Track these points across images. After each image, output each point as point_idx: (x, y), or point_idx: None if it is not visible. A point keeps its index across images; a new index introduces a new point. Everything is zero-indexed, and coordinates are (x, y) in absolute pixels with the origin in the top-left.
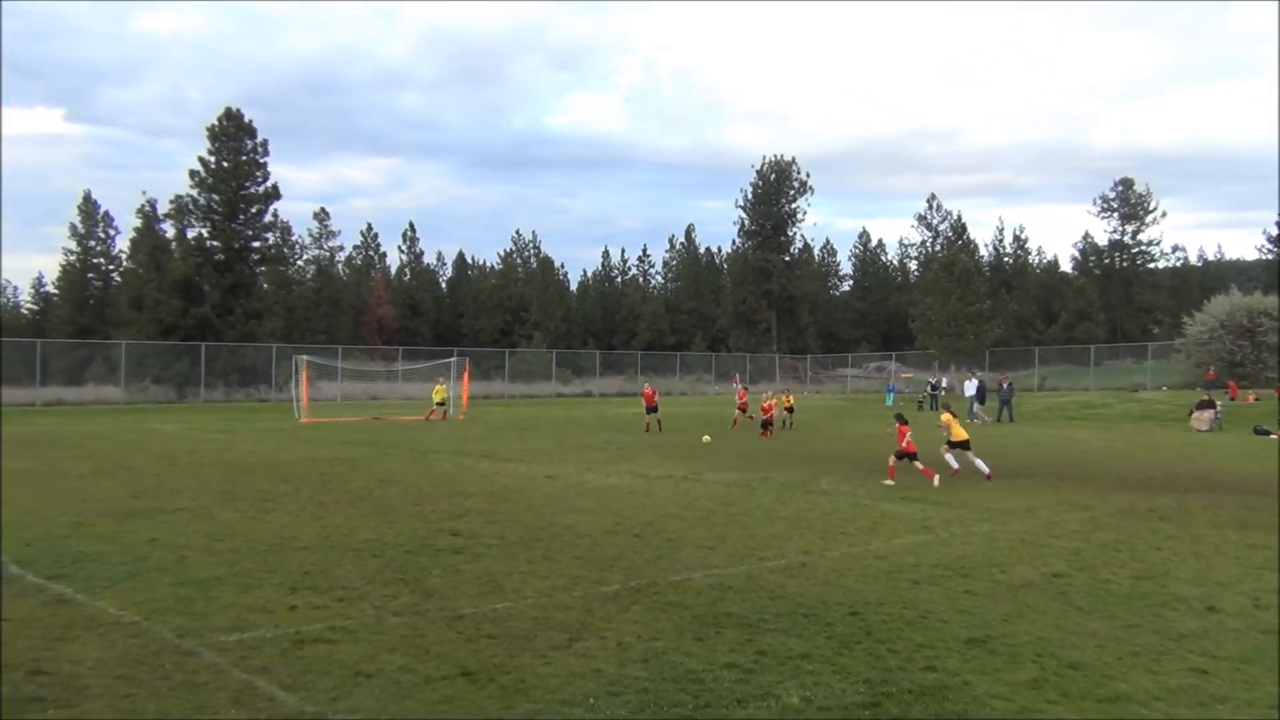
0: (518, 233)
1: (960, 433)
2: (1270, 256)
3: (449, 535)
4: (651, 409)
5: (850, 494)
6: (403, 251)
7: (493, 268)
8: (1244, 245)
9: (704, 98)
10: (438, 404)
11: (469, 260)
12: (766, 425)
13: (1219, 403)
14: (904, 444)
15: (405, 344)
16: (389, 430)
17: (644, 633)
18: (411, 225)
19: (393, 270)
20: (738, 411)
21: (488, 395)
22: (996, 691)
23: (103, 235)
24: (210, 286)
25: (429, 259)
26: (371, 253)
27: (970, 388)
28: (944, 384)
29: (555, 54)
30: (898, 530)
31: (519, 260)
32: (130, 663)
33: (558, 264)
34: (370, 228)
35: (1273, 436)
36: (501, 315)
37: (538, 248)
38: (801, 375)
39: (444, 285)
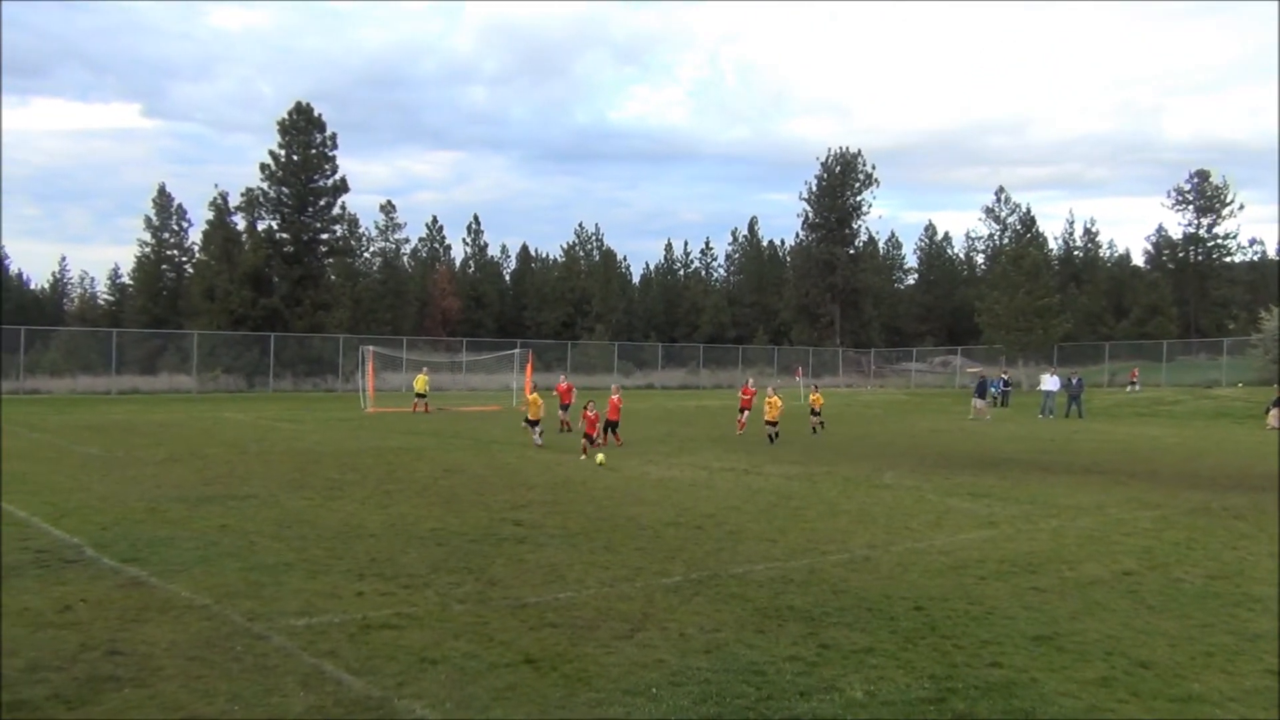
0: (580, 225)
1: (534, 414)
2: None
3: (512, 525)
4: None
5: (915, 488)
6: (467, 244)
7: (555, 260)
8: None
9: (767, 90)
10: (418, 395)
11: (532, 253)
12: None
13: None
14: (590, 427)
15: (469, 335)
16: (453, 421)
17: (706, 624)
18: (476, 218)
19: (457, 263)
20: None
21: (550, 387)
22: (1065, 689)
23: (176, 228)
24: (279, 278)
25: (493, 251)
26: (436, 245)
27: (1049, 383)
28: (1008, 380)
29: (618, 48)
30: (963, 525)
31: (581, 253)
32: (202, 645)
33: (620, 257)
34: (435, 220)
35: None
36: (564, 308)
37: (600, 240)
38: (865, 369)
39: (507, 278)
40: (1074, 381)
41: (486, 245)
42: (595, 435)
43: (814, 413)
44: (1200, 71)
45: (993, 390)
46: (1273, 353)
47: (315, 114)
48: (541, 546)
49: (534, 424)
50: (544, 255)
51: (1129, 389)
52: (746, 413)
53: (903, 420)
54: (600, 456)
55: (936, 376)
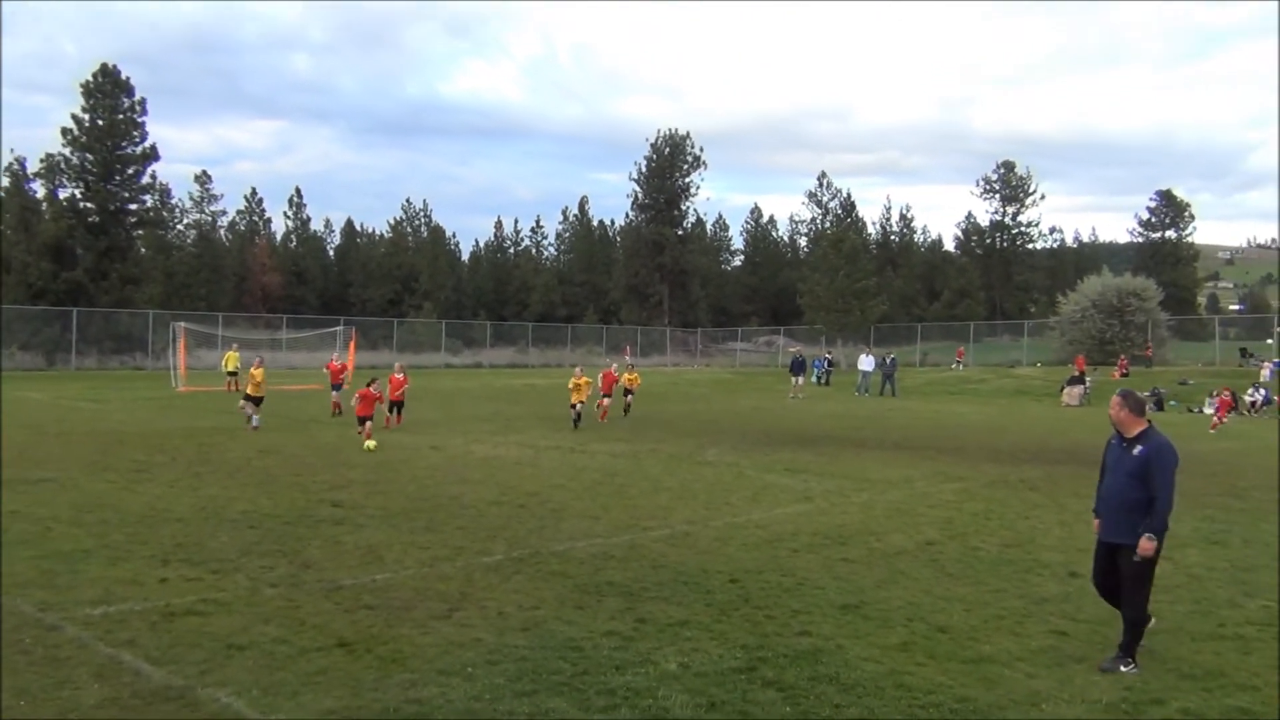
0: (408, 201)
1: (255, 390)
2: (1141, 240)
3: (330, 506)
4: (336, 387)
5: (735, 465)
6: (289, 218)
7: (382, 236)
8: (1117, 228)
9: (601, 69)
10: (229, 373)
11: (358, 228)
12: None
13: (1088, 379)
14: (360, 408)
15: (290, 312)
16: (270, 400)
17: (525, 602)
18: (298, 190)
19: (278, 237)
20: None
21: (375, 365)
22: (868, 654)
23: None
24: (83, 250)
25: (316, 226)
26: (256, 218)
27: (865, 362)
28: (831, 359)
29: (449, 20)
30: (779, 500)
31: (409, 229)
32: None
33: (449, 234)
34: (255, 192)
35: None
36: (391, 285)
37: (429, 216)
38: (692, 348)
39: (331, 253)
40: (888, 361)
41: (309, 219)
42: (369, 417)
43: (627, 392)
44: (1013, 66)
45: (816, 369)
46: (1069, 334)
47: (123, 77)
48: (360, 527)
49: (255, 401)
50: (370, 231)
51: (955, 366)
52: (608, 399)
53: (727, 398)
54: (370, 443)
55: (761, 356)
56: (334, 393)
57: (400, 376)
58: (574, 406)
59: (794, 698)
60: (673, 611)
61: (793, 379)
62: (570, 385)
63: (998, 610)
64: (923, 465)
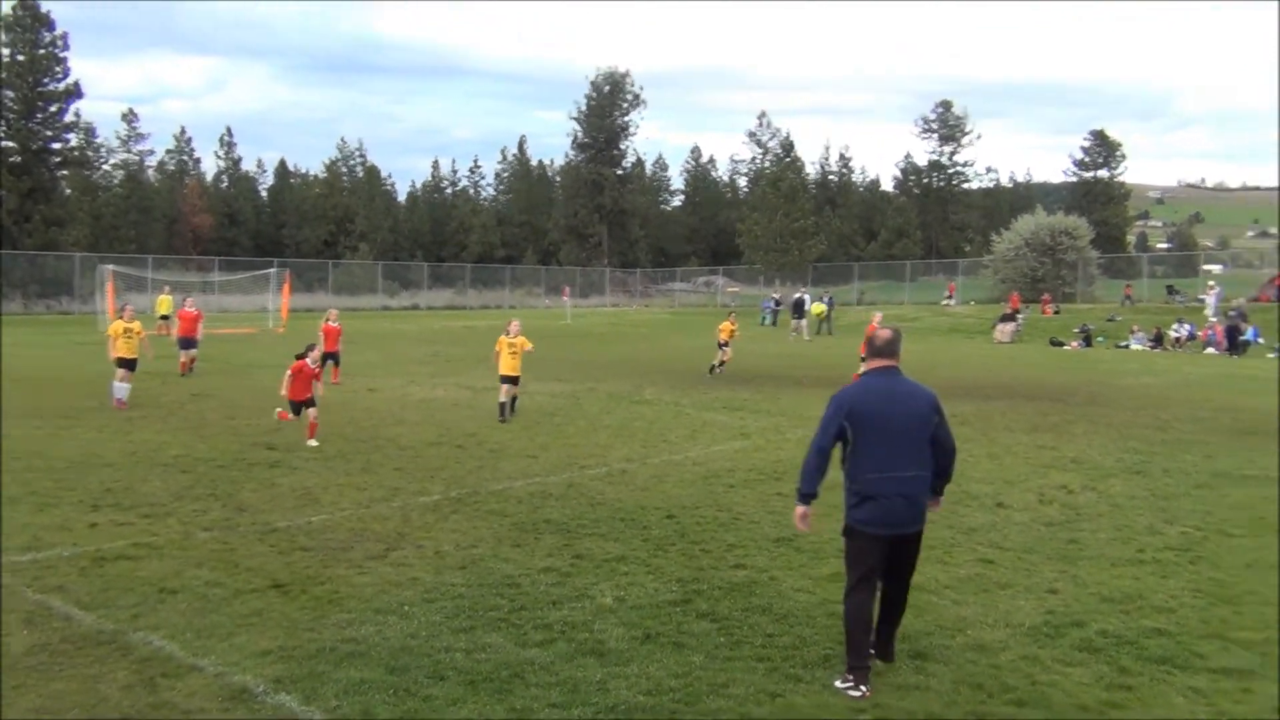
0: (343, 140)
1: (128, 349)
2: (1074, 179)
3: (265, 449)
4: (189, 342)
5: (674, 403)
6: (220, 158)
7: (316, 177)
8: (1053, 169)
9: (544, 6)
10: (162, 317)
11: (291, 168)
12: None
13: (1020, 316)
14: (293, 389)
15: (223, 254)
16: (203, 343)
17: (463, 541)
18: (229, 130)
19: (208, 177)
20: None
21: (310, 308)
22: (800, 585)
23: None
24: (5, 191)
25: (248, 166)
26: (186, 158)
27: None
28: (779, 300)
29: None
30: (717, 437)
31: (344, 169)
32: None
33: (385, 174)
34: (184, 131)
35: (1067, 347)
36: (325, 226)
37: (364, 156)
38: (632, 289)
39: (265, 194)
40: (826, 300)
41: (240, 159)
42: (306, 403)
43: (722, 345)
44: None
45: (764, 310)
46: (1002, 273)
47: (43, 10)
48: (295, 470)
49: (129, 365)
50: (304, 171)
51: (945, 303)
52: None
53: (667, 339)
54: (313, 441)
55: (700, 296)
56: (184, 351)
57: (336, 325)
58: (505, 387)
59: (728, 628)
60: (610, 547)
61: (793, 320)
62: (500, 345)
63: (927, 541)
64: None
